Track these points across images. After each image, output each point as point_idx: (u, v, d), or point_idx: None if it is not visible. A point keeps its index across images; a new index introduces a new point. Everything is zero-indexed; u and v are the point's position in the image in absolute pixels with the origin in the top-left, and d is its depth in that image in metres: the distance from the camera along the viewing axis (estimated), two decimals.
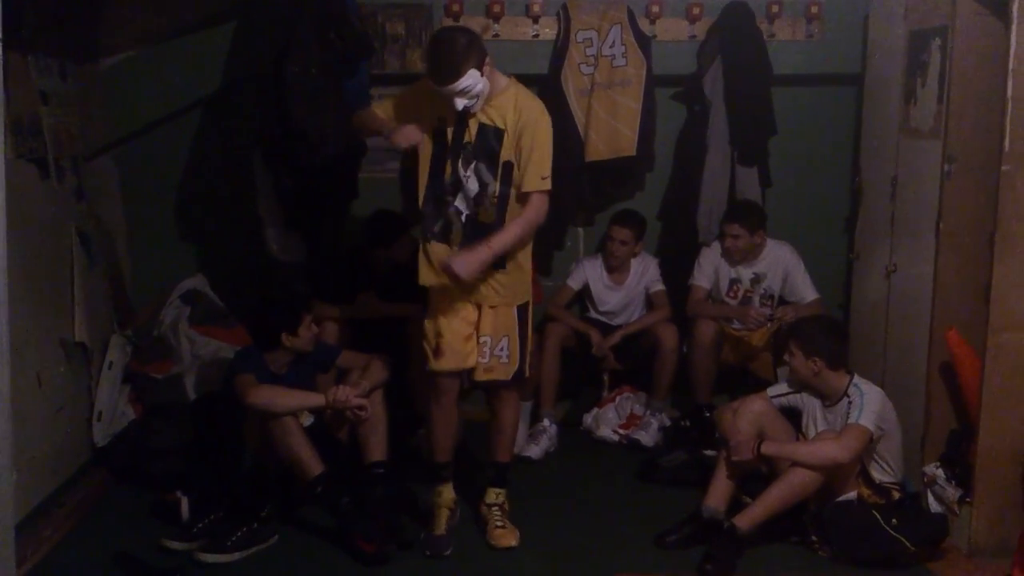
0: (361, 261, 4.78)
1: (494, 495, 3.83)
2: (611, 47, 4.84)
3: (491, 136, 3.48)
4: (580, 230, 5.25)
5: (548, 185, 3.51)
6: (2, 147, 2.57)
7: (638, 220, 4.96)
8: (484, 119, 3.47)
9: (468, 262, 3.42)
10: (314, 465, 3.71)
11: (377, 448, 3.85)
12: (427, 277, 3.64)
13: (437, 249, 3.58)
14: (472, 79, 3.32)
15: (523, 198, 3.52)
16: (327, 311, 4.46)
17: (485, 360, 3.66)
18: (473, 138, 3.48)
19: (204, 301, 4.83)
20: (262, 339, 3.99)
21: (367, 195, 4.84)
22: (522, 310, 3.68)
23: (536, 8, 4.89)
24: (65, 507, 3.97)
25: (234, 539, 3.63)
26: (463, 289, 3.56)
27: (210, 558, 3.59)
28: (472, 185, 3.51)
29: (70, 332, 4.20)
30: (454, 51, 3.30)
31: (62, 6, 4.28)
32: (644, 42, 4.85)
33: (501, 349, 3.65)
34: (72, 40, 4.42)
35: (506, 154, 3.49)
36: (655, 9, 4.90)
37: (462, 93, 3.34)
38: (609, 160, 4.89)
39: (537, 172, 3.47)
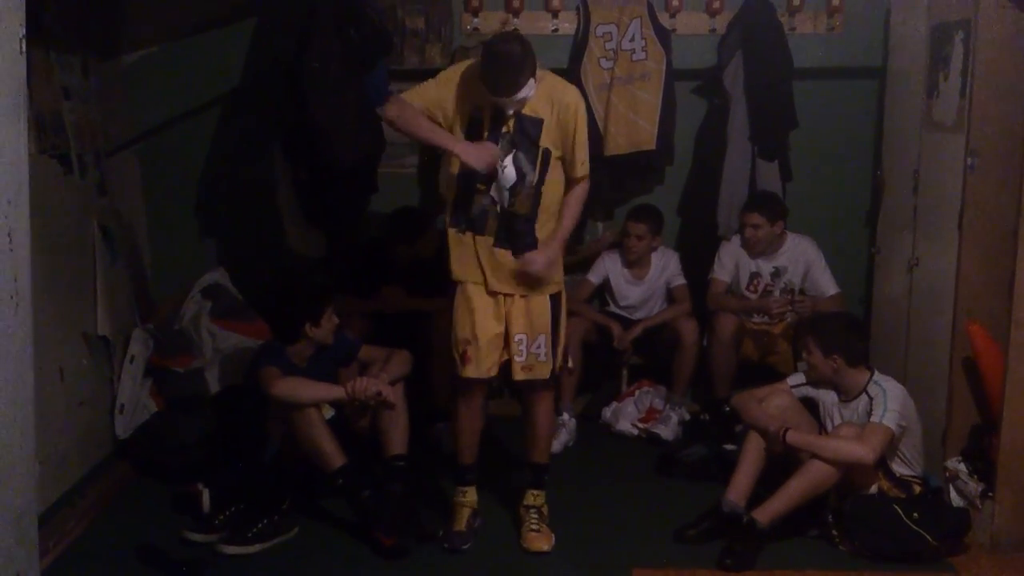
0: (384, 256, 4.79)
1: (532, 497, 3.78)
2: (631, 41, 4.83)
3: (530, 125, 3.45)
4: (599, 224, 5.24)
5: (587, 170, 3.55)
6: (25, 142, 2.59)
7: (654, 214, 4.95)
8: (522, 110, 3.44)
9: (544, 257, 3.47)
10: (336, 457, 3.73)
11: (398, 442, 3.85)
12: (459, 272, 3.59)
13: (467, 240, 3.54)
14: (529, 89, 3.36)
15: (568, 185, 3.54)
16: (349, 305, 4.47)
17: (522, 359, 3.60)
18: (512, 127, 3.46)
19: (225, 295, 4.85)
20: (284, 332, 4.01)
21: (386, 190, 4.85)
22: (555, 300, 3.63)
23: (555, 2, 4.88)
24: (87, 499, 4.00)
25: (255, 531, 3.66)
26: (499, 280, 3.54)
27: (231, 550, 3.61)
28: (509, 174, 3.47)
29: (92, 326, 4.23)
30: (513, 65, 3.30)
31: (84, 2, 4.31)
32: (664, 36, 4.83)
33: (538, 347, 3.59)
34: (94, 36, 4.45)
35: (545, 142, 3.46)
36: (675, 3, 4.89)
37: (518, 102, 3.37)
38: (629, 154, 4.87)
39: (580, 159, 3.50)
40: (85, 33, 4.33)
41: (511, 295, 3.58)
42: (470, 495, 3.80)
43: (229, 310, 4.80)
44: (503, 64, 3.31)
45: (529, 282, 3.55)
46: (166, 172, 5.06)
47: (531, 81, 3.36)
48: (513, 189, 3.48)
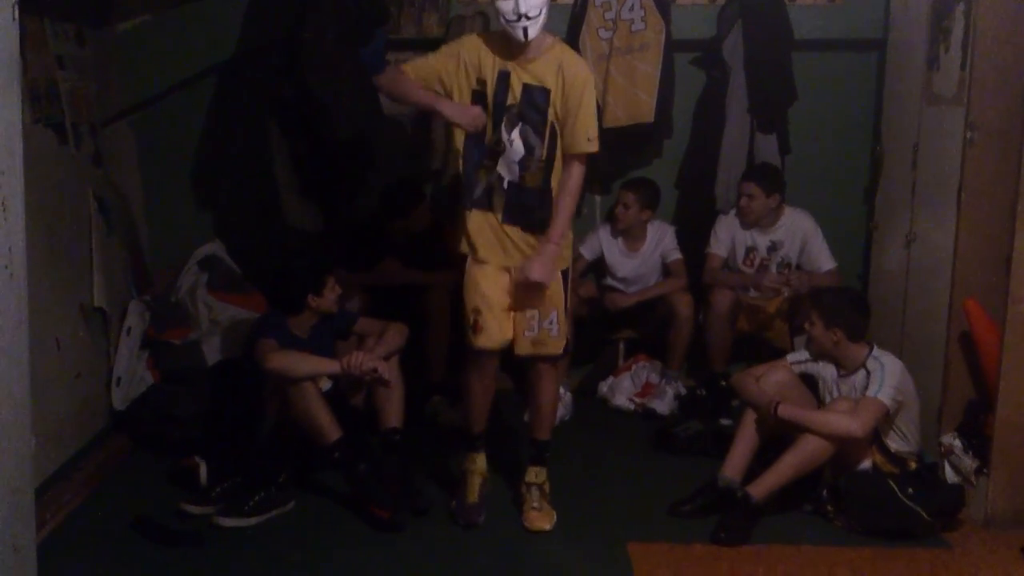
0: (379, 230, 4.77)
1: (534, 474, 3.74)
2: (630, 11, 4.79)
3: (537, 96, 3.38)
4: (597, 198, 5.21)
5: (595, 147, 3.43)
6: (19, 112, 2.57)
7: (646, 186, 4.92)
8: (529, 79, 3.37)
9: (544, 266, 3.39)
10: (332, 430, 3.73)
11: (393, 415, 3.86)
12: (464, 247, 3.55)
13: (477, 217, 3.48)
14: (545, 8, 3.26)
15: (567, 160, 3.44)
16: (347, 279, 4.46)
17: (533, 333, 3.55)
18: (518, 99, 3.38)
19: (221, 267, 4.84)
20: (286, 303, 4.01)
21: (383, 161, 4.83)
22: (565, 275, 3.59)
23: None
24: (84, 472, 4.00)
25: (251, 504, 3.67)
26: (508, 257, 3.50)
27: (228, 522, 3.62)
28: (518, 148, 3.40)
29: (88, 298, 4.22)
30: None
31: None
32: (663, 6, 4.79)
33: (551, 322, 3.54)
34: (88, 4, 4.41)
35: (552, 115, 3.40)
36: None
37: (533, 21, 3.24)
38: (627, 127, 4.85)
39: (584, 133, 3.38)
40: (79, 1, 4.29)
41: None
42: (480, 462, 3.78)
43: (226, 282, 4.79)
44: None
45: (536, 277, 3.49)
46: (162, 143, 5.03)
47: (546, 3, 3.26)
48: (522, 163, 3.42)
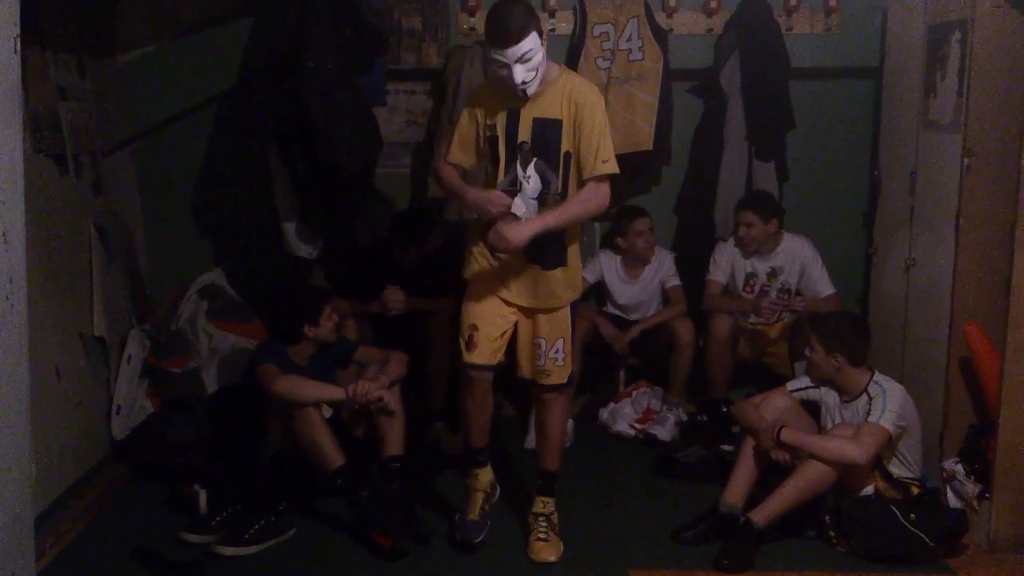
0: (387, 257, 4.77)
1: (542, 504, 3.72)
2: (628, 41, 4.83)
3: (548, 128, 3.38)
4: (596, 224, 5.22)
5: (613, 168, 3.38)
6: (20, 142, 2.58)
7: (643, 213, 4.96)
8: (538, 112, 3.38)
9: (519, 230, 3.29)
10: (335, 457, 3.73)
11: (394, 443, 3.85)
12: (470, 270, 3.56)
13: (493, 259, 3.46)
14: (534, 43, 3.24)
15: (584, 184, 3.42)
16: (345, 307, 4.46)
17: (541, 363, 3.56)
18: (530, 135, 3.39)
19: (221, 295, 4.84)
20: (284, 332, 4.01)
21: (382, 189, 4.84)
22: (573, 307, 3.59)
23: (552, 2, 4.88)
24: (84, 500, 3.99)
25: (252, 532, 3.65)
26: (517, 294, 3.50)
27: (228, 551, 3.60)
28: (535, 184, 3.38)
29: (89, 326, 4.22)
30: (517, 13, 3.23)
31: (79, 2, 4.30)
32: (661, 36, 4.83)
33: (556, 351, 3.55)
34: (90, 36, 4.45)
35: (566, 145, 3.39)
36: (672, 3, 4.89)
37: (523, 59, 3.24)
38: (625, 154, 4.86)
39: (599, 156, 3.35)
40: (81, 33, 4.33)
41: (532, 309, 3.54)
42: (483, 476, 3.74)
43: (226, 310, 4.79)
44: (507, 12, 3.24)
45: (549, 294, 3.51)
46: (162, 172, 5.05)
47: (535, 36, 3.24)
48: (541, 198, 3.40)
